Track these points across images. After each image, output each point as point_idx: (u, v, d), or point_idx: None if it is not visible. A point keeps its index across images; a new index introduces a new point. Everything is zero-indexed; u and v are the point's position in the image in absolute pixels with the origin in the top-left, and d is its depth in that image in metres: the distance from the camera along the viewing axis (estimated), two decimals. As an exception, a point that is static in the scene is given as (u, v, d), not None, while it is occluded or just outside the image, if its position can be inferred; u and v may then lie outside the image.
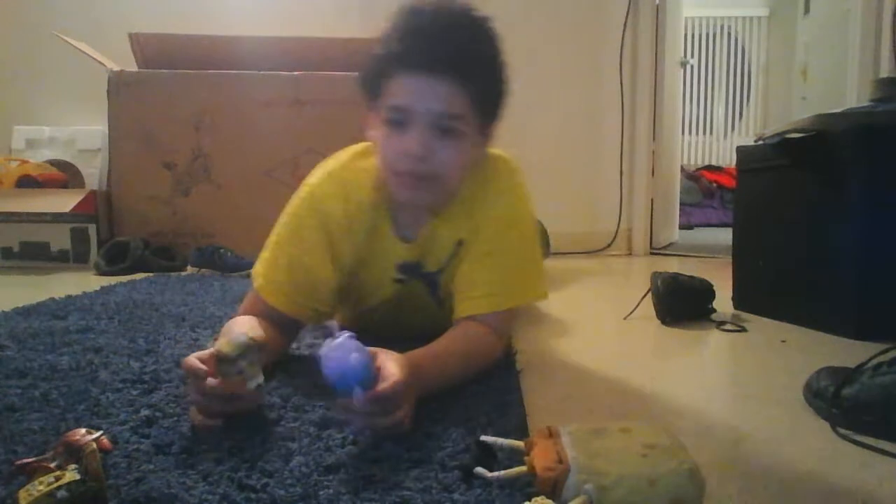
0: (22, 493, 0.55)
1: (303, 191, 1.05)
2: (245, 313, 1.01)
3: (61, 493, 0.54)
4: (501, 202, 1.03)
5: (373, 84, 0.96)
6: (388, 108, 0.93)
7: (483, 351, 0.98)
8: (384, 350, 0.77)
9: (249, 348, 0.74)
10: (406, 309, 1.12)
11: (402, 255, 1.05)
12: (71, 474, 0.56)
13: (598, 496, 0.56)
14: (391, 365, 0.74)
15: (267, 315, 0.99)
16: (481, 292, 1.01)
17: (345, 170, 1.05)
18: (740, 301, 1.63)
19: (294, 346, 1.11)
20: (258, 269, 1.03)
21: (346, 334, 0.73)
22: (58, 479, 0.55)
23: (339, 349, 0.71)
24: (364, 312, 1.15)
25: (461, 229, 1.03)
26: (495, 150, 1.06)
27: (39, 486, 0.55)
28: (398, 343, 0.84)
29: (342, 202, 1.02)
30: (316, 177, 1.06)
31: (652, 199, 3.10)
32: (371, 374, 0.72)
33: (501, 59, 0.98)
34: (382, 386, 0.71)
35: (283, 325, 1.01)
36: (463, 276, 1.03)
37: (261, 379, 0.76)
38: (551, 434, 0.65)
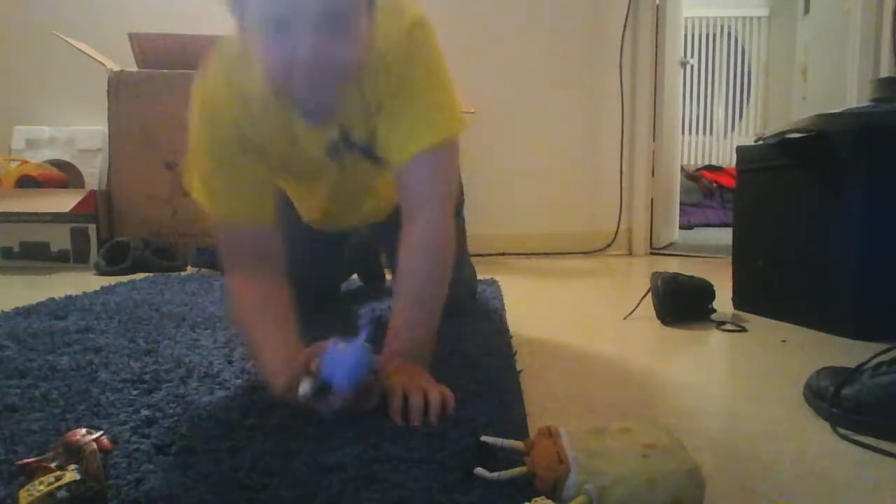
0: (22, 493, 0.55)
1: (198, 101, 0.95)
2: (238, 293, 0.97)
3: (62, 493, 0.54)
4: (410, 49, 0.93)
5: None
6: (261, 16, 0.80)
7: (436, 247, 0.95)
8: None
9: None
10: (355, 185, 1.09)
11: (325, 139, 1.00)
12: (71, 474, 0.56)
13: (598, 496, 0.57)
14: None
15: (250, 269, 0.96)
16: (414, 134, 0.94)
17: (234, 71, 0.93)
18: (740, 301, 1.63)
19: None
20: (203, 201, 0.98)
21: (360, 340, 0.77)
22: (58, 479, 0.56)
23: (345, 354, 0.75)
24: (317, 203, 1.15)
25: (377, 89, 0.94)
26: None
27: (40, 486, 0.55)
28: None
29: (244, 109, 0.93)
30: (208, 82, 0.95)
31: (652, 199, 3.10)
32: (362, 378, 0.77)
33: None
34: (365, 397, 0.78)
35: (277, 278, 0.97)
36: (389, 127, 0.96)
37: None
38: (551, 434, 0.65)
